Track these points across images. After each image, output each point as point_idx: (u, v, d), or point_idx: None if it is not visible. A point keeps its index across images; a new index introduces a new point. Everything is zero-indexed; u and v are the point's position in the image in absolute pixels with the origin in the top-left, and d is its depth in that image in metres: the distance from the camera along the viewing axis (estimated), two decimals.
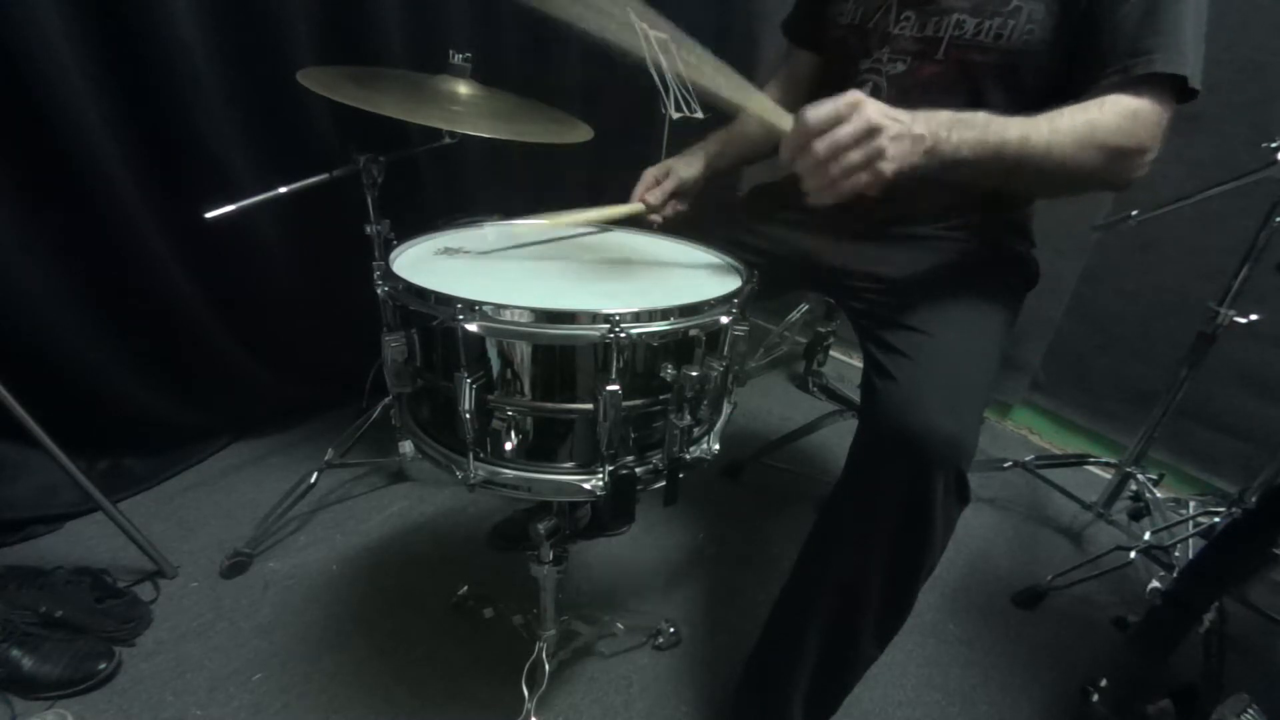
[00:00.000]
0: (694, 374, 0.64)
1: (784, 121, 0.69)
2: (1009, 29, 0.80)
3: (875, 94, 0.91)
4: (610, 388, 0.61)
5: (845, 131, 0.60)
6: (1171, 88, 0.74)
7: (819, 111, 0.61)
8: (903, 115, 0.64)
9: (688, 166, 1.02)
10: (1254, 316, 1.18)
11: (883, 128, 0.61)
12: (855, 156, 0.61)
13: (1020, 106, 0.83)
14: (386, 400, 1.38)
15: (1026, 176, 0.74)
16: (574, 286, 0.74)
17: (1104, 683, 1.02)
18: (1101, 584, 1.29)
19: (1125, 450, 1.45)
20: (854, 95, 0.61)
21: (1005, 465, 1.64)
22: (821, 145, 0.61)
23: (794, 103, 1.09)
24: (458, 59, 1.12)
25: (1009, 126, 0.69)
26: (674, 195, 0.99)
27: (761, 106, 0.72)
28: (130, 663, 1.02)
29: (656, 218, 0.99)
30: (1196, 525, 1.34)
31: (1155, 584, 1.22)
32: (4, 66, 1.00)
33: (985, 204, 0.92)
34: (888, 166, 0.62)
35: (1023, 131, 0.70)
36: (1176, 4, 0.73)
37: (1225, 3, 1.33)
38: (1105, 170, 0.74)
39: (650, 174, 0.99)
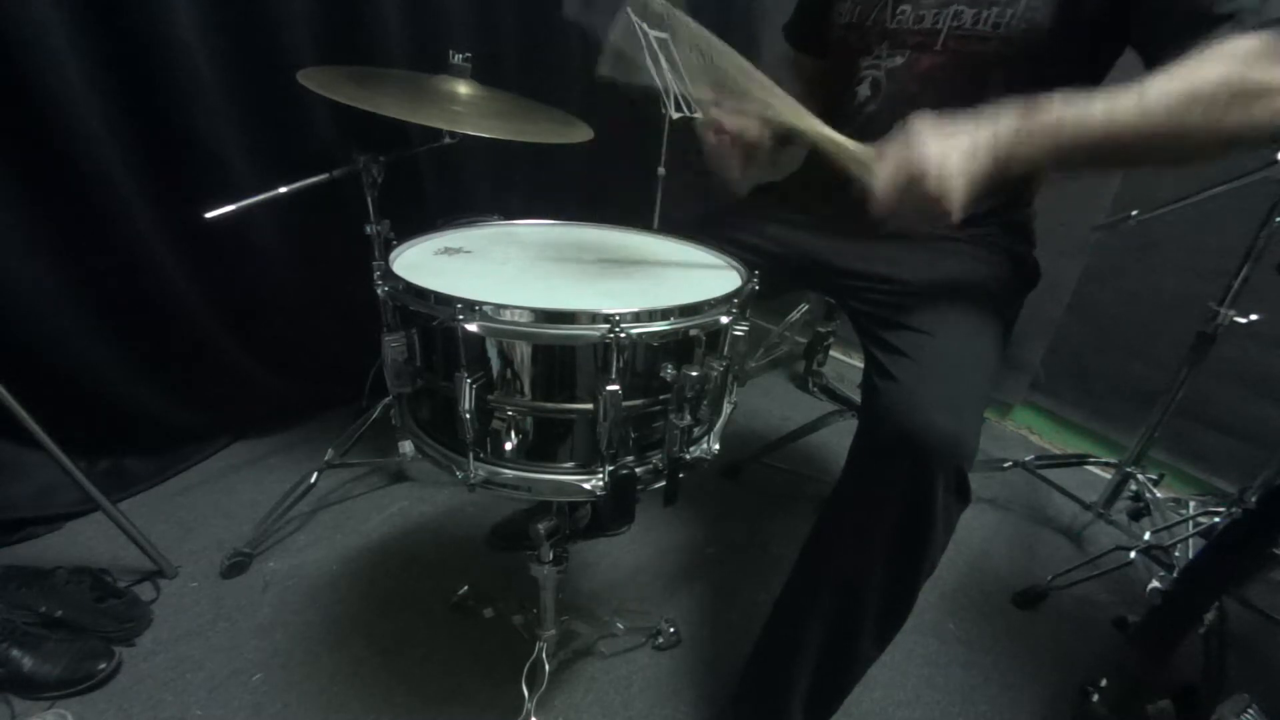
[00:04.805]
0: (694, 374, 0.64)
1: (846, 144, 0.71)
2: (1007, 17, 0.79)
3: (875, 89, 0.92)
4: (610, 388, 0.61)
5: (917, 193, 0.64)
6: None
7: (890, 173, 0.66)
8: (964, 160, 0.63)
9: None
10: (1254, 316, 1.18)
11: (951, 193, 0.63)
12: (923, 213, 0.66)
13: (1023, 95, 0.83)
14: (386, 400, 1.38)
15: (1125, 158, 0.70)
16: (574, 286, 0.74)
17: (1104, 683, 1.02)
18: (1101, 584, 1.29)
19: (1125, 450, 1.44)
20: (920, 153, 0.63)
21: (1005, 465, 1.64)
22: (898, 204, 0.66)
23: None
24: (458, 59, 1.12)
25: (1089, 115, 0.64)
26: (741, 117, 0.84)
27: (826, 135, 0.73)
28: (130, 663, 1.02)
29: (711, 136, 0.86)
30: (1196, 525, 1.34)
31: (1155, 584, 1.22)
32: (4, 67, 1.00)
33: (985, 205, 0.92)
34: (955, 215, 0.65)
35: (1108, 114, 0.63)
36: None
37: None
38: (1235, 123, 0.62)
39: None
